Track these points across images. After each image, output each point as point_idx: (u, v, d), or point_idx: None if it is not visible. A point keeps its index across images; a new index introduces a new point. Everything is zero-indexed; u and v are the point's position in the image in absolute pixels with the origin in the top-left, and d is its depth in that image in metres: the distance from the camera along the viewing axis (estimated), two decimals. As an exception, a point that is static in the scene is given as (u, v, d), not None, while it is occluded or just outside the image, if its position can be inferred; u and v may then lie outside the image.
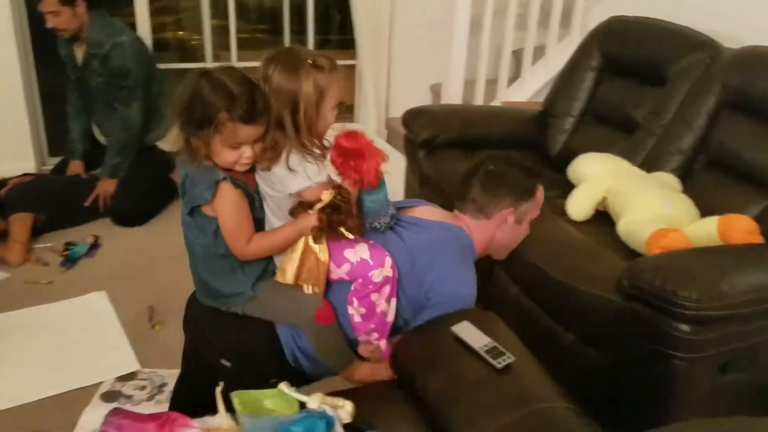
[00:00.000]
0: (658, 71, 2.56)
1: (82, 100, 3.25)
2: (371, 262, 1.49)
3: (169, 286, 2.51)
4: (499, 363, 1.26)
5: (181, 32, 4.36)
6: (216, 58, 3.92)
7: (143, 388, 2.04)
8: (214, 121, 1.35)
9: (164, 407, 1.88)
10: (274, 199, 1.50)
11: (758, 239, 1.95)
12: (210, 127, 1.35)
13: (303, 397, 1.17)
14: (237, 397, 1.17)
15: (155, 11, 3.63)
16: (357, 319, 1.53)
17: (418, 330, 1.44)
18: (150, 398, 2.00)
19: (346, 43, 4.24)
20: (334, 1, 4.23)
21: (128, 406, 1.89)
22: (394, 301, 1.55)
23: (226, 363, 1.55)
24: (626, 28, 2.77)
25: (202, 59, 3.94)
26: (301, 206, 1.46)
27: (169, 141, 3.24)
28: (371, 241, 1.55)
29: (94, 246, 2.90)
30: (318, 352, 1.54)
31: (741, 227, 1.94)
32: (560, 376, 1.91)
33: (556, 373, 1.91)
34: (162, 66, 3.43)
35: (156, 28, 3.69)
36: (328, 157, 1.49)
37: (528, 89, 3.56)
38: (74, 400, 1.98)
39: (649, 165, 2.43)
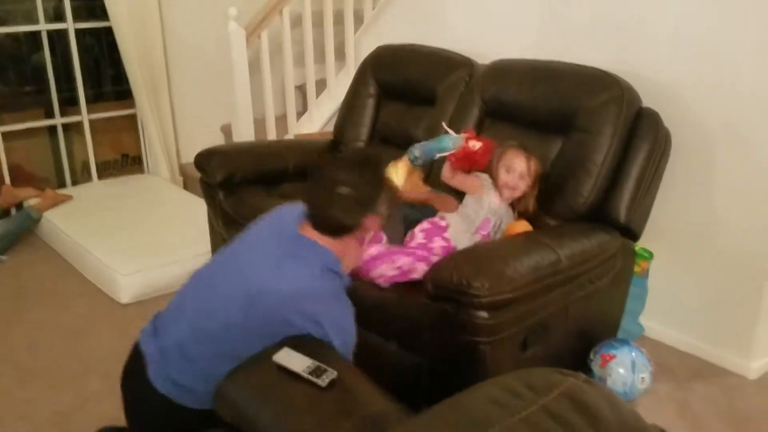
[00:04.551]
0: (427, 92, 2.81)
1: None
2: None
3: None
4: (323, 381, 1.29)
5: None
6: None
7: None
8: None
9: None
10: None
11: (529, 227, 2.23)
12: None
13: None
14: None
15: None
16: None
17: (240, 368, 1.42)
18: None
19: (123, 93, 4.08)
20: (104, 54, 4.04)
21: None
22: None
23: None
24: (393, 55, 3.00)
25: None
26: None
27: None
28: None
29: None
30: None
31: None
32: (388, 385, 2.00)
33: (385, 383, 2.00)
34: None
35: None
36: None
37: (317, 121, 3.69)
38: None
39: (433, 177, 2.64)
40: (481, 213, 2.14)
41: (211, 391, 1.47)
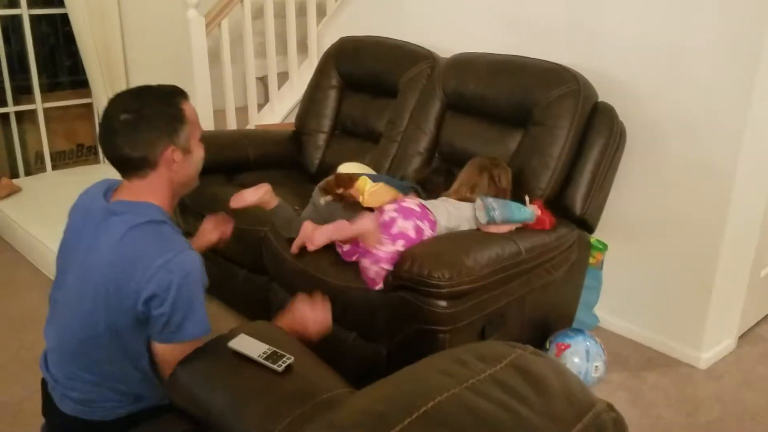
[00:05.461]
0: (389, 84, 2.82)
1: None
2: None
3: None
4: (279, 366, 1.28)
5: None
6: None
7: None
8: None
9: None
10: None
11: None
12: None
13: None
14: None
15: None
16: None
17: (194, 355, 1.40)
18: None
19: (80, 83, 3.98)
20: (60, 42, 3.94)
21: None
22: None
23: None
24: (356, 47, 3.00)
25: None
26: None
27: None
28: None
29: None
30: None
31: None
32: (347, 375, 2.00)
33: (344, 372, 2.00)
34: None
35: None
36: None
37: (278, 112, 3.66)
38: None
39: (395, 168, 2.65)
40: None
41: (126, 394, 1.46)
